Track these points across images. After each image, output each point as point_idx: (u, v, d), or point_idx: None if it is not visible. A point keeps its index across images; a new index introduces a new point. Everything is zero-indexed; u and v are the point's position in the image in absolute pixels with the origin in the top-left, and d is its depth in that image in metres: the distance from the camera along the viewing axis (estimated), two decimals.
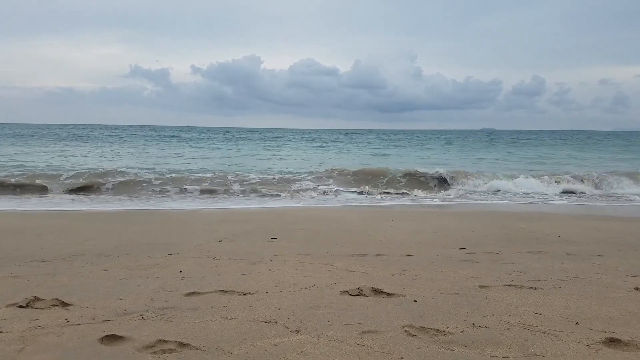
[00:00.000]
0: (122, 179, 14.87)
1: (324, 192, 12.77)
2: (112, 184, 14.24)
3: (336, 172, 16.11)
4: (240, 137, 59.10)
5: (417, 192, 13.09)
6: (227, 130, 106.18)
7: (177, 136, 58.63)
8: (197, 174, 16.94)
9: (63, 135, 53.61)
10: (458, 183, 14.17)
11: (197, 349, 2.78)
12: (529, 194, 13.23)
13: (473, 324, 3.18)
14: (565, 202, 12.41)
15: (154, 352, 2.74)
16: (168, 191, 13.73)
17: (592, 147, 42.46)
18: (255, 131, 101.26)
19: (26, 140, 40.10)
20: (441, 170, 14.91)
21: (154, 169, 18.81)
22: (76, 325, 3.12)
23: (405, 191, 13.05)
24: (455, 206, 11.88)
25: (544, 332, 3.03)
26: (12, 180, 14.43)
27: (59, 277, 4.34)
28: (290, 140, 52.36)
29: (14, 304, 3.50)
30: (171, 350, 2.76)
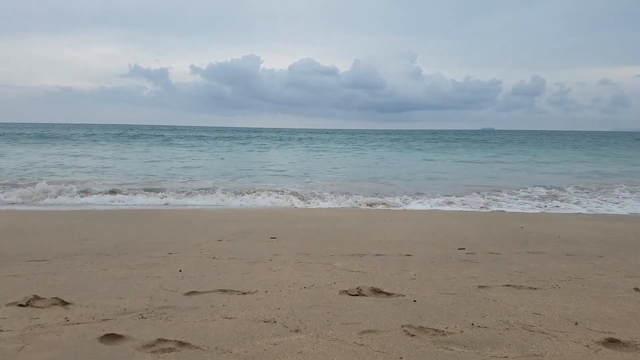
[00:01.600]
0: None
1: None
2: None
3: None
4: (226, 137, 57.71)
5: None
6: (222, 130, 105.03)
7: (164, 135, 57.23)
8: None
9: (45, 135, 51.25)
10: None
11: (196, 348, 2.79)
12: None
13: (472, 324, 3.18)
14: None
15: (154, 351, 2.74)
16: None
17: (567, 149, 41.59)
18: (256, 131, 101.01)
19: None
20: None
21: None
22: (76, 324, 3.13)
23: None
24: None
25: (543, 333, 3.04)
26: None
27: (58, 276, 4.35)
28: (281, 141, 51.41)
29: (14, 303, 3.50)
30: (171, 350, 2.77)
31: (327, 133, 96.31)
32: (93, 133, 61.54)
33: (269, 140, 53.07)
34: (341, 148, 40.89)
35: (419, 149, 39.33)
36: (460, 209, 11.19)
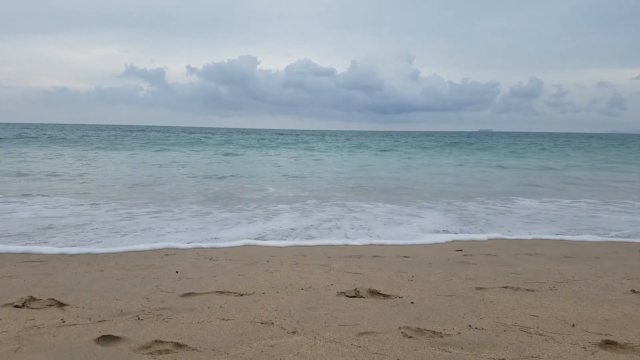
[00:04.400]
0: None
1: None
2: None
3: None
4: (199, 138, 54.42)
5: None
6: (215, 131, 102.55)
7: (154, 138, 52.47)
8: None
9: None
10: None
11: (193, 349, 2.78)
12: None
13: (469, 325, 3.18)
14: None
15: (150, 353, 2.73)
16: None
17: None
18: (255, 132, 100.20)
19: None
20: None
21: None
22: (72, 325, 3.11)
23: None
24: None
25: (540, 334, 3.04)
26: None
27: (55, 277, 4.33)
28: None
29: (9, 304, 3.49)
30: (167, 351, 2.75)
31: (329, 135, 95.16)
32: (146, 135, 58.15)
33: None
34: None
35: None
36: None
